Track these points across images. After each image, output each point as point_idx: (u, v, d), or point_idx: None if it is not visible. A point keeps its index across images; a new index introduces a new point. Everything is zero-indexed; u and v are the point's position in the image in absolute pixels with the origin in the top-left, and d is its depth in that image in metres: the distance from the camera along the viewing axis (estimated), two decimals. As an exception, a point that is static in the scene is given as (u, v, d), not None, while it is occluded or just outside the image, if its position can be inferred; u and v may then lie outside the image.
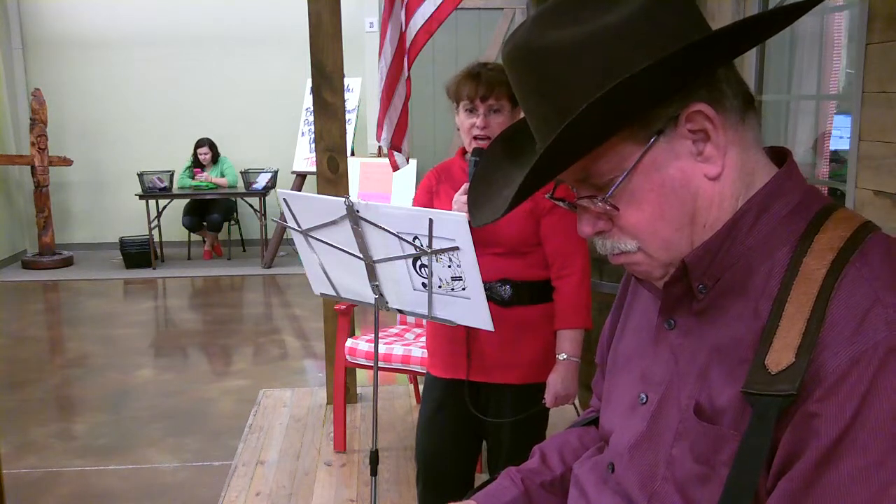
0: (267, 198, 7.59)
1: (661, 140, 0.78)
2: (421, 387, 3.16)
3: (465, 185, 2.02)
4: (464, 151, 2.18)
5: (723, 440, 0.77)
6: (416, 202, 2.24)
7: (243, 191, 7.62)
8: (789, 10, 0.74)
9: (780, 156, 0.86)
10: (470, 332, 2.08)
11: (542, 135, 0.82)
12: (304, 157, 6.98)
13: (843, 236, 0.76)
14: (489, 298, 1.97)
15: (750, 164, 0.82)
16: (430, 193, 2.22)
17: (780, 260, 0.78)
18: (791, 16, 0.75)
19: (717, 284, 0.82)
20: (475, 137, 2.05)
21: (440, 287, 1.95)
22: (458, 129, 2.12)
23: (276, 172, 7.59)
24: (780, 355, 0.73)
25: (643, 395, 0.90)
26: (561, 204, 0.90)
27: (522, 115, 0.88)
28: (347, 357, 3.19)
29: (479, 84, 2.02)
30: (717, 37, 0.74)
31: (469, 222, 1.76)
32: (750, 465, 0.74)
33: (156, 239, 7.52)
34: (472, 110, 2.06)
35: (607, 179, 0.80)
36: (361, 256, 2.04)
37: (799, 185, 0.82)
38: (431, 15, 2.91)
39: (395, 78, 2.99)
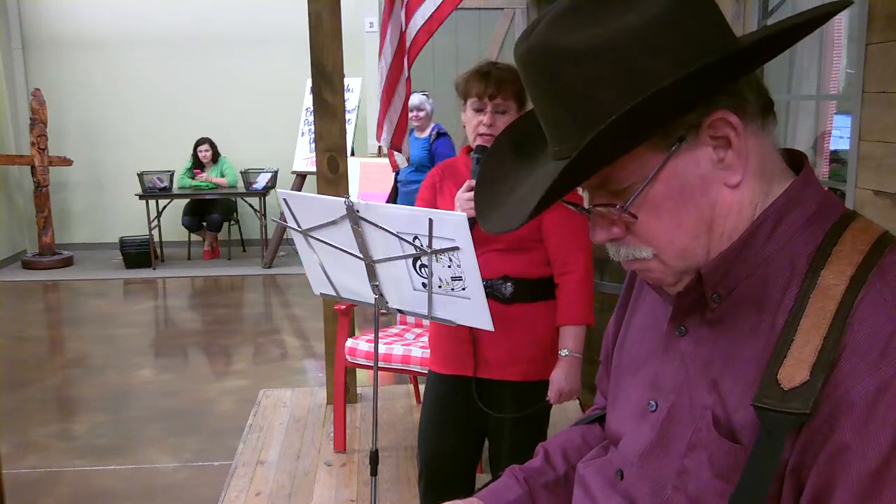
0: (267, 198, 7.59)
1: (683, 147, 0.76)
2: (421, 387, 3.16)
3: (468, 183, 2.03)
4: (469, 149, 2.18)
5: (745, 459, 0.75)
6: (420, 199, 2.25)
7: (243, 191, 7.62)
8: (819, 15, 0.72)
9: (795, 159, 0.84)
10: (473, 329, 2.08)
11: (557, 140, 0.79)
12: (304, 157, 6.98)
13: (861, 250, 0.75)
14: (491, 296, 1.98)
15: (768, 172, 0.80)
16: (434, 191, 2.22)
17: (797, 272, 0.77)
18: (819, 21, 0.73)
19: (731, 294, 0.80)
20: (480, 135, 2.06)
21: (440, 287, 1.95)
22: (464, 127, 2.13)
23: (276, 172, 7.60)
24: (794, 371, 0.71)
25: (653, 403, 0.88)
26: (573, 208, 0.86)
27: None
28: (347, 357, 3.19)
29: (487, 82, 2.04)
30: (752, 48, 0.72)
31: (478, 225, 1.76)
32: (758, 482, 0.73)
33: (156, 239, 7.53)
34: (479, 108, 2.07)
35: (626, 186, 0.78)
36: (361, 256, 2.04)
37: (816, 193, 0.80)
38: (431, 15, 2.92)
39: (395, 78, 2.99)
